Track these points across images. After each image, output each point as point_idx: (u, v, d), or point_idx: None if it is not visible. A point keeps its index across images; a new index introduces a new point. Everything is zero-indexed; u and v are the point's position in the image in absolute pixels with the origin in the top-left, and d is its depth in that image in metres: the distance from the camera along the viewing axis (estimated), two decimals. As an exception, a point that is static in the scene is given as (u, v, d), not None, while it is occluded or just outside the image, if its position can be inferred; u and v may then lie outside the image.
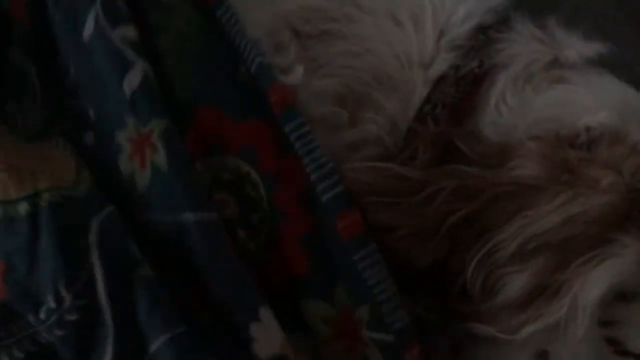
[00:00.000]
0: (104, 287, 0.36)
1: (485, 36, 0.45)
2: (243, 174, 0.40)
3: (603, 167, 0.37)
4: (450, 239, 0.38)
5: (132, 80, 0.39)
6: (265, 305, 0.37)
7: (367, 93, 0.43)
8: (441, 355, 0.41)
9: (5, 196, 0.38)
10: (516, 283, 0.37)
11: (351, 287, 0.39)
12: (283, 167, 0.40)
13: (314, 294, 0.40)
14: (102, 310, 0.36)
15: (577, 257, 0.35)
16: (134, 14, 0.41)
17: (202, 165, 0.40)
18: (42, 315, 0.35)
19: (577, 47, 0.46)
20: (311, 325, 0.39)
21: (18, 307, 0.36)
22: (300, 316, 0.39)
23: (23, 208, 0.37)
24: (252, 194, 0.40)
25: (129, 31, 0.41)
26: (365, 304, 0.39)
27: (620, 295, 0.36)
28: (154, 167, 0.38)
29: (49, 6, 0.43)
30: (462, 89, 0.43)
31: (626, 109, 0.41)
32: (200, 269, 0.37)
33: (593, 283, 0.34)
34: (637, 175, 0.36)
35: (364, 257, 0.39)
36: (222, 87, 0.41)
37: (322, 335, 0.39)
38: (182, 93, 0.41)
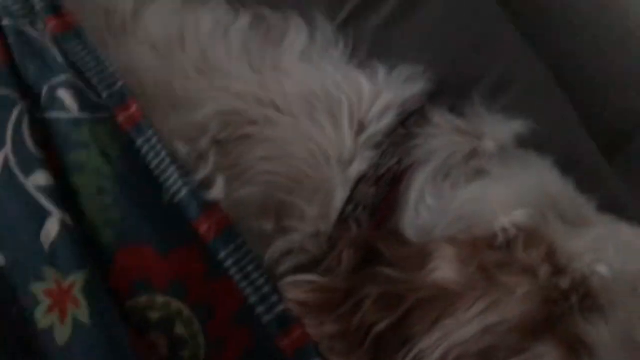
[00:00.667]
0: None
1: (405, 130, 0.46)
2: (174, 312, 0.39)
3: (519, 272, 0.38)
4: (375, 348, 0.39)
5: (50, 232, 0.38)
6: None
7: (289, 200, 0.43)
8: None
9: None
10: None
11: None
12: (215, 289, 0.40)
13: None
14: None
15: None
16: (46, 155, 0.41)
17: (130, 307, 0.39)
18: None
19: (496, 131, 0.47)
20: None
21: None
22: None
23: None
24: (183, 332, 0.39)
25: (43, 178, 0.40)
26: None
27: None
28: (75, 322, 0.37)
29: None
30: (382, 189, 0.43)
31: (543, 201, 0.42)
32: None
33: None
34: (554, 281, 0.37)
35: None
36: (145, 222, 0.40)
37: None
38: (104, 234, 0.40)
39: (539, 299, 0.37)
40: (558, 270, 0.38)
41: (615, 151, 0.74)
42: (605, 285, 0.38)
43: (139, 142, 0.42)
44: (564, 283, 0.37)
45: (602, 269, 0.38)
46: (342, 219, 0.43)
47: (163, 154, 0.42)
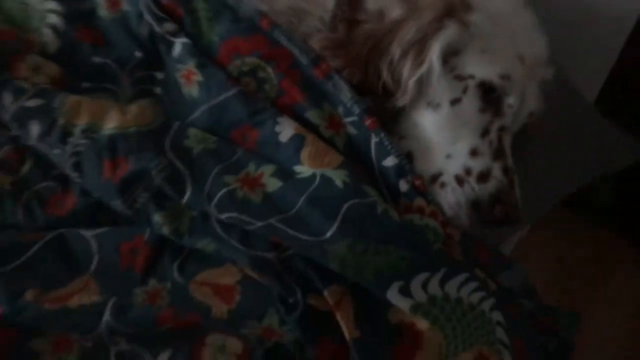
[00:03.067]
0: None
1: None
2: (255, 65, 0.76)
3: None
4: (367, 57, 0.74)
5: None
6: None
7: (305, 7, 0.79)
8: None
9: None
10: (407, 68, 0.73)
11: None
12: (276, 52, 0.76)
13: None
14: None
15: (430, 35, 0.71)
16: None
17: (232, 67, 0.75)
18: None
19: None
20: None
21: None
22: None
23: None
24: (263, 75, 0.75)
25: None
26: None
27: (452, 52, 0.73)
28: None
29: None
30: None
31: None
32: None
33: (434, 48, 0.71)
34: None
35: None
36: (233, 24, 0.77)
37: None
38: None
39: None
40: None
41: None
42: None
43: None
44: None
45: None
46: (334, 10, 0.79)
47: None
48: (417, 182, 0.71)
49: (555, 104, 0.80)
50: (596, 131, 0.90)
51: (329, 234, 0.66)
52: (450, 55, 0.72)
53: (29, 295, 0.66)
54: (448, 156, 0.73)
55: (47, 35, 0.79)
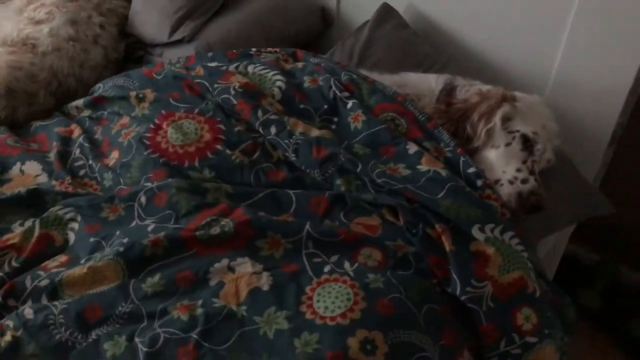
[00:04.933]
0: None
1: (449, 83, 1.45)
2: (394, 117, 1.35)
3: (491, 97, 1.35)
4: (458, 120, 1.33)
5: None
6: None
7: (419, 93, 1.41)
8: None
9: None
10: (481, 126, 1.31)
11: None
12: (405, 112, 1.35)
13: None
14: None
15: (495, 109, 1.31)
16: None
17: (381, 117, 1.34)
18: None
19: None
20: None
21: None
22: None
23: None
24: (398, 122, 1.34)
25: None
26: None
27: (506, 118, 1.31)
28: None
29: None
30: (446, 88, 1.41)
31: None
32: None
33: (497, 116, 1.30)
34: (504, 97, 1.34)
35: None
36: None
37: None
38: None
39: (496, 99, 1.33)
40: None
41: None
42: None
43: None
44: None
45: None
46: (438, 96, 1.40)
47: None
48: (487, 181, 1.25)
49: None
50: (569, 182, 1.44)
51: (439, 195, 1.18)
52: (505, 120, 1.32)
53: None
54: (503, 172, 1.28)
55: (275, 91, 1.40)
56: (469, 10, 1.70)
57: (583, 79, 1.56)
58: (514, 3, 1.62)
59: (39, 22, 1.72)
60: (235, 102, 1.36)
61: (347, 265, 1.11)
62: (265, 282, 1.07)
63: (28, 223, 1.22)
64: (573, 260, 2.05)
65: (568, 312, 1.26)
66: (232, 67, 1.48)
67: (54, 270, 1.13)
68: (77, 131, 1.48)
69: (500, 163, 1.29)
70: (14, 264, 1.15)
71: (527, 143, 1.30)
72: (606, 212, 1.41)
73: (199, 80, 1.44)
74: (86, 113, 1.54)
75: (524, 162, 1.28)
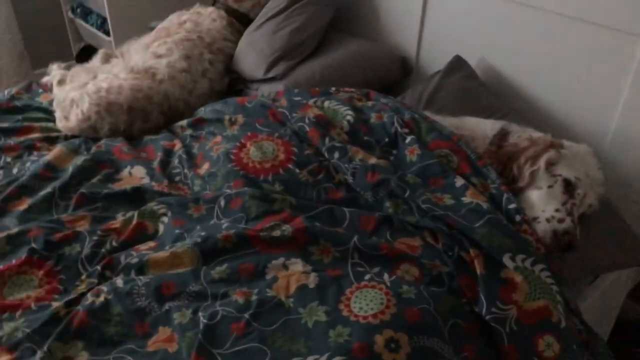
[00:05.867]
0: None
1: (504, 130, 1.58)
2: (447, 153, 1.49)
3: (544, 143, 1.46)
4: (506, 161, 1.46)
5: None
6: None
7: (472, 136, 1.55)
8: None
9: None
10: (526, 168, 1.43)
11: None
12: (458, 150, 1.49)
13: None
14: None
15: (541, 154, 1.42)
16: None
17: (435, 152, 1.50)
18: None
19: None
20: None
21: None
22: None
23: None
24: (450, 158, 1.49)
25: None
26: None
27: (550, 163, 1.42)
28: None
29: None
30: (500, 133, 1.54)
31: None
32: None
33: (542, 160, 1.41)
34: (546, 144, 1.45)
35: None
36: None
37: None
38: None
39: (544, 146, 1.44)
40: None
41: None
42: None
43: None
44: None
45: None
46: (492, 139, 1.53)
47: None
48: (525, 217, 1.36)
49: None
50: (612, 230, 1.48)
51: (477, 225, 1.31)
52: (549, 164, 1.42)
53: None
54: (543, 211, 1.38)
55: (344, 124, 1.61)
56: (535, 65, 1.83)
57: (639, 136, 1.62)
58: (576, 61, 1.73)
59: (160, 56, 2.05)
60: (308, 129, 1.58)
61: (386, 276, 1.26)
62: (312, 280, 1.24)
63: (129, 214, 1.49)
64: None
65: (602, 353, 1.31)
66: (311, 102, 1.71)
67: (144, 252, 1.37)
68: (178, 145, 1.77)
69: (541, 203, 1.39)
70: (114, 244, 1.41)
71: (569, 187, 1.39)
72: (651, 263, 1.45)
73: (281, 110, 1.68)
74: (188, 132, 1.83)
75: (564, 204, 1.38)
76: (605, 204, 1.47)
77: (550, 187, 1.40)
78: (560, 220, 1.35)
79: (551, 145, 1.43)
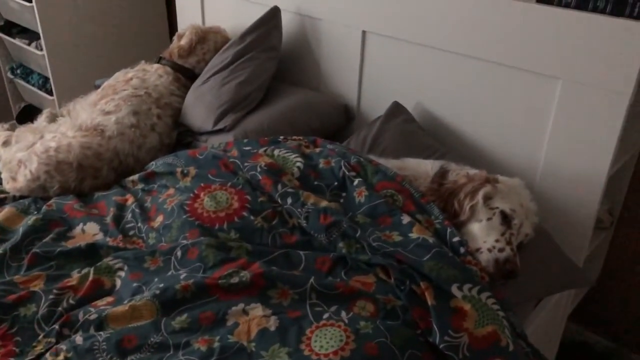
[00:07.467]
0: None
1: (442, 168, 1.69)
2: (392, 193, 1.59)
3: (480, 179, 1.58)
4: (447, 198, 1.56)
5: None
6: None
7: (415, 176, 1.65)
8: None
9: None
10: (466, 203, 1.53)
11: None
12: (402, 190, 1.59)
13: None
14: None
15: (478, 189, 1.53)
16: None
17: (381, 193, 1.59)
18: None
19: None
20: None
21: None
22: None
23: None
24: (395, 197, 1.58)
25: None
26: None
27: (488, 197, 1.53)
28: None
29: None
30: (440, 171, 1.65)
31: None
32: None
33: (479, 195, 1.52)
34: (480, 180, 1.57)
35: None
36: None
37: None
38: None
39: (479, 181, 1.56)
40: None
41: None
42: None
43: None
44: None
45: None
46: (433, 178, 1.64)
47: None
48: (469, 249, 1.45)
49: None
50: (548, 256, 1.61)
51: (425, 258, 1.39)
52: (486, 198, 1.53)
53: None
54: (484, 242, 1.48)
55: (295, 170, 1.68)
56: (467, 108, 1.97)
57: (565, 168, 1.77)
58: (503, 103, 1.88)
59: (108, 113, 2.08)
60: (260, 177, 1.64)
61: (343, 314, 1.31)
62: (272, 323, 1.28)
63: (84, 270, 1.49)
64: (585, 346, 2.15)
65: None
66: (261, 150, 1.78)
67: (102, 307, 1.37)
68: (130, 200, 1.78)
69: (482, 234, 1.49)
70: (70, 301, 1.41)
71: (506, 218, 1.50)
72: (584, 285, 1.57)
73: (232, 160, 1.73)
74: (140, 186, 1.86)
75: (503, 234, 1.48)
76: (539, 231, 1.59)
77: (489, 219, 1.51)
78: (501, 250, 1.45)
79: (487, 180, 1.55)
